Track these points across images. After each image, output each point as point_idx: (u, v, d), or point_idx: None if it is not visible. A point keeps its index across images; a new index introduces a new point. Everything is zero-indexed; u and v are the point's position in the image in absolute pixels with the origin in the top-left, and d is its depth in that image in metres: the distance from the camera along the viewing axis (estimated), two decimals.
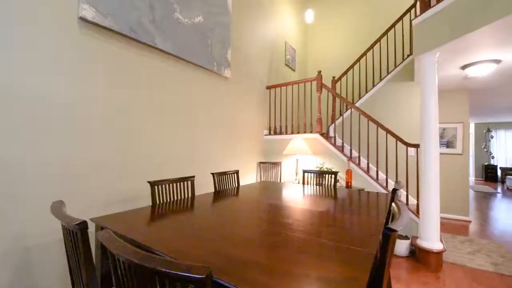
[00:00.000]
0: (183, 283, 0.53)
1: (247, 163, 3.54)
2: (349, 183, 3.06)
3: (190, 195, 1.93)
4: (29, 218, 1.41)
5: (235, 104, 3.29)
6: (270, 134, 3.94)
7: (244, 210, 1.49)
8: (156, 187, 1.65)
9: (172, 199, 1.79)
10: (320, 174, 2.70)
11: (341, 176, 3.30)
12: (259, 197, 1.87)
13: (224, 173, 2.32)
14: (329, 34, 5.43)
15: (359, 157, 3.28)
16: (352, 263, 0.81)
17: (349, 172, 3.06)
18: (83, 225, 0.82)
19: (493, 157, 9.74)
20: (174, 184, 1.97)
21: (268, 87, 3.98)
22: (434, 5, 2.55)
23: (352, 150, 3.91)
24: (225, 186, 2.33)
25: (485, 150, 9.85)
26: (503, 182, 9.04)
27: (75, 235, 0.85)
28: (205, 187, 2.72)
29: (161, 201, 1.67)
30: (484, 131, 9.88)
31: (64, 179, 1.55)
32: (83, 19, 1.66)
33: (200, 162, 2.66)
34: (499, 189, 7.77)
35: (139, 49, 2.03)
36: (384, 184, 3.27)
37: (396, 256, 2.75)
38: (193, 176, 1.92)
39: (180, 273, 0.51)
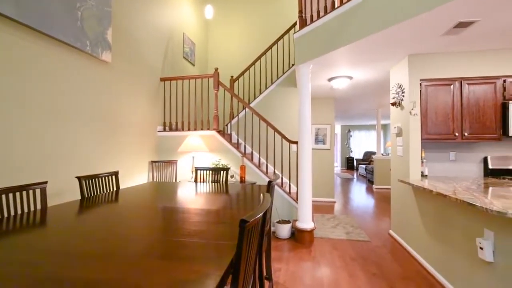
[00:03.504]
0: None
1: (136, 162, 3.14)
2: (243, 178, 3.23)
3: (39, 207, 1.49)
4: None
5: (119, 95, 2.82)
6: (164, 130, 3.64)
7: (114, 219, 1.27)
8: None
9: (4, 216, 1.32)
10: (214, 170, 2.71)
11: (236, 172, 3.45)
12: (142, 201, 1.66)
13: (97, 176, 1.93)
14: (230, 33, 5.56)
15: (252, 153, 3.52)
16: (214, 259, 0.81)
17: (243, 167, 3.23)
18: None
19: (351, 151, 12.89)
20: (10, 195, 1.46)
21: (163, 79, 3.66)
22: (309, 24, 3.02)
23: (247, 147, 4.17)
24: (99, 191, 1.95)
25: (347, 146, 12.89)
26: (357, 169, 12.07)
27: None
28: (72, 194, 2.20)
29: None
30: (346, 131, 12.89)
31: None
32: None
33: (66, 163, 2.12)
34: (354, 175, 10.33)
35: None
36: (273, 177, 3.65)
37: (280, 239, 3.13)
38: (45, 182, 1.49)
39: None
